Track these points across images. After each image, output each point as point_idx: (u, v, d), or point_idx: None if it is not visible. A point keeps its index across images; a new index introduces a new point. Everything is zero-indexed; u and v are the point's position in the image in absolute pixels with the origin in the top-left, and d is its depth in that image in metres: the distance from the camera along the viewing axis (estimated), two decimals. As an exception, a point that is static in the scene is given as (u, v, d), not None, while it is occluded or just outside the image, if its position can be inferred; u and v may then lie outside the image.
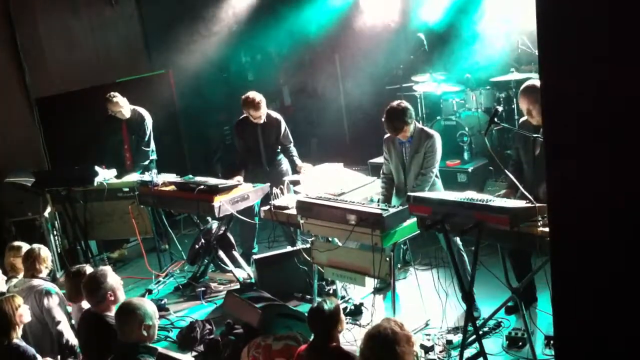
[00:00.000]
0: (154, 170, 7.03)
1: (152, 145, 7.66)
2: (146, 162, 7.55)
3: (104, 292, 4.37)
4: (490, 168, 7.33)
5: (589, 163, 2.45)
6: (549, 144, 2.59)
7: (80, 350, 4.74)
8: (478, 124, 7.58)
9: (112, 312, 4.33)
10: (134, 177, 7.22)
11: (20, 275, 5.50)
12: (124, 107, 7.41)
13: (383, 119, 5.52)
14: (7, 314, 4.47)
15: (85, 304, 4.92)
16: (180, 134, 9.70)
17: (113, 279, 4.47)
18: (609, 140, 2.37)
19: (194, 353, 5.30)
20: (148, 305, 3.91)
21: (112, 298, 4.40)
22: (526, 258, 5.11)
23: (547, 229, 3.85)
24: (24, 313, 4.57)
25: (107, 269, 4.56)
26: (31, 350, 4.48)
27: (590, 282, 2.55)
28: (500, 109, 5.77)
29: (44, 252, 5.42)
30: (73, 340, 5.09)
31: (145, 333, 3.79)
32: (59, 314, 5.10)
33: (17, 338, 4.48)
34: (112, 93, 7.41)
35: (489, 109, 7.56)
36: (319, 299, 4.19)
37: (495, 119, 4.80)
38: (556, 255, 2.68)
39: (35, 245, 5.53)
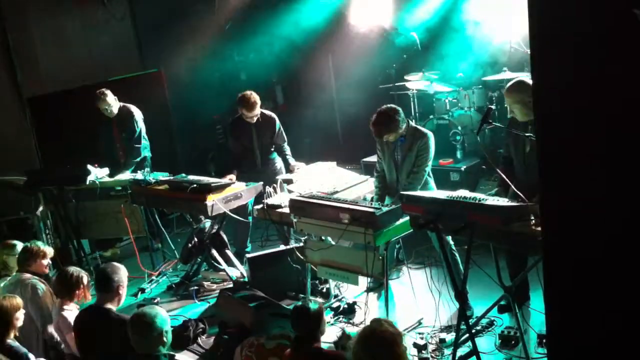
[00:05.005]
0: (147, 169, 7.01)
1: (146, 142, 7.63)
2: (137, 159, 7.51)
3: (114, 284, 4.50)
4: (483, 167, 7.35)
5: (582, 162, 2.46)
6: (541, 143, 2.61)
7: (78, 349, 4.73)
8: (471, 123, 7.60)
9: (114, 306, 4.50)
10: (126, 175, 7.20)
11: (12, 274, 5.49)
12: (112, 104, 7.35)
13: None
14: (8, 313, 4.47)
15: (67, 307, 4.91)
16: (172, 133, 9.67)
17: (124, 274, 4.61)
18: (603, 138, 2.38)
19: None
20: (161, 311, 3.93)
21: (120, 292, 4.54)
22: (522, 257, 5.12)
23: (539, 228, 3.86)
24: (20, 317, 4.56)
25: (121, 265, 4.72)
26: (23, 349, 4.47)
27: (583, 281, 2.56)
28: (492, 108, 5.79)
29: (43, 247, 5.43)
30: (58, 337, 5.09)
31: (165, 339, 3.83)
32: (45, 310, 5.10)
33: (10, 339, 4.47)
34: (101, 90, 7.37)
35: (481, 108, 7.58)
36: (301, 301, 4.21)
37: (488, 119, 4.81)
38: (549, 254, 2.69)
39: (36, 242, 5.53)
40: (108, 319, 4.40)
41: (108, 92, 7.35)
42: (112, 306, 4.51)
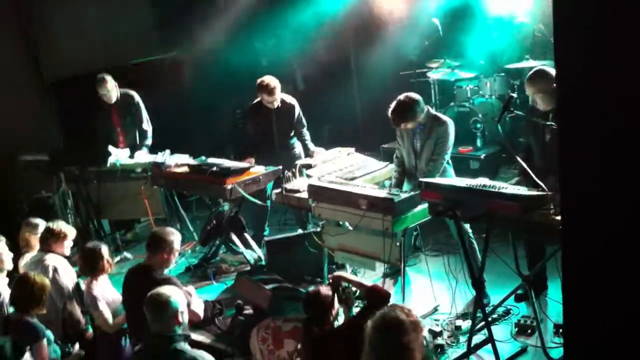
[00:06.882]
0: (167, 151, 7.04)
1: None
2: (149, 142, 7.53)
3: (164, 246, 4.70)
4: (503, 155, 7.30)
5: (603, 151, 2.44)
6: (562, 131, 2.59)
7: (124, 306, 4.89)
8: (492, 111, 7.54)
9: (160, 269, 4.71)
10: (145, 156, 7.24)
11: (34, 252, 5.57)
12: (111, 90, 7.29)
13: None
14: (39, 288, 4.56)
15: (96, 284, 4.98)
16: (192, 117, 9.71)
17: (177, 239, 4.80)
18: (625, 128, 2.36)
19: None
20: (176, 291, 3.95)
21: (166, 256, 4.72)
22: (540, 246, 5.10)
23: (558, 218, 3.85)
24: (46, 299, 4.64)
25: (174, 230, 4.93)
26: (42, 326, 4.54)
27: (602, 271, 2.55)
28: (514, 96, 5.67)
29: (66, 229, 5.50)
30: (78, 316, 5.17)
31: (180, 319, 3.83)
32: (65, 290, 5.18)
33: (30, 315, 4.54)
34: (101, 75, 7.31)
35: (502, 96, 7.51)
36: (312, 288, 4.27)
37: (509, 107, 4.78)
38: (568, 244, 2.68)
39: (59, 222, 5.61)
40: (152, 278, 4.55)
41: (108, 78, 7.29)
42: (157, 267, 4.68)
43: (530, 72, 4.93)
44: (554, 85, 4.62)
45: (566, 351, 2.96)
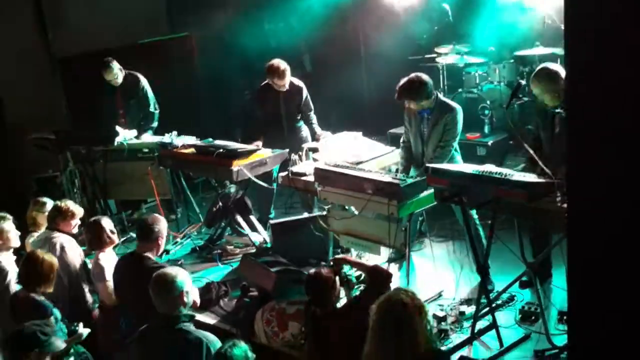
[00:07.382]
0: (174, 132, 7.04)
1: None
2: (155, 125, 7.51)
3: (155, 234, 4.76)
4: (510, 142, 7.28)
5: (611, 141, 2.43)
6: (572, 120, 2.58)
7: (116, 296, 4.92)
8: (500, 97, 7.51)
9: (153, 255, 4.75)
10: (149, 138, 7.25)
11: (41, 231, 5.60)
12: (117, 74, 7.27)
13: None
14: (48, 267, 4.59)
15: (103, 256, 5.02)
16: (200, 98, 9.70)
17: (164, 225, 4.88)
18: (634, 118, 2.35)
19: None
20: (181, 272, 3.98)
21: (159, 243, 4.79)
22: (546, 233, 5.10)
23: (565, 205, 3.84)
24: (54, 278, 4.67)
25: (161, 217, 5.02)
26: (49, 304, 4.57)
27: (606, 259, 2.55)
28: (523, 83, 5.66)
29: (74, 207, 5.53)
30: (85, 295, 5.21)
31: (185, 300, 3.87)
32: (72, 267, 5.22)
33: (35, 293, 4.57)
34: (106, 59, 7.25)
35: (511, 83, 7.48)
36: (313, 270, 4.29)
37: (518, 93, 4.76)
38: (573, 232, 2.68)
39: (67, 201, 5.64)
40: (145, 266, 4.58)
41: (113, 64, 7.24)
42: (151, 255, 4.72)
43: (534, 73, 4.91)
44: (560, 84, 4.63)
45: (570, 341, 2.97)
